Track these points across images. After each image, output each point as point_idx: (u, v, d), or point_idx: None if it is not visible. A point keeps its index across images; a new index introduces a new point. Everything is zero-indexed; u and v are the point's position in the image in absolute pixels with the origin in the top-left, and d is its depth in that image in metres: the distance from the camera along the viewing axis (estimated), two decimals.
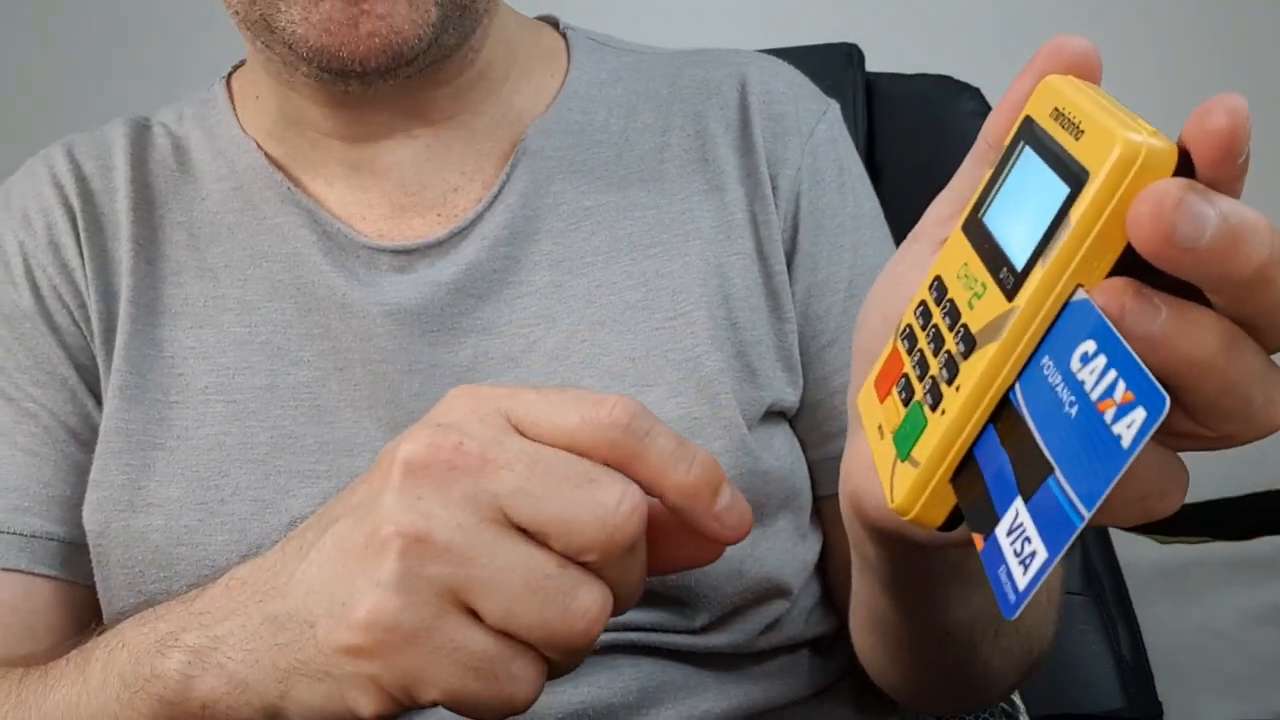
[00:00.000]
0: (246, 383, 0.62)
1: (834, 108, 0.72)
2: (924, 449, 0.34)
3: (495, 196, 0.64)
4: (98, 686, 0.48)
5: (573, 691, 0.59)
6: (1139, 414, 0.27)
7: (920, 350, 0.36)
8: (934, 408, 0.34)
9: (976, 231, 0.36)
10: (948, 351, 0.34)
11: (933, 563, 0.45)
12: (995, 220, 0.35)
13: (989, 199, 0.36)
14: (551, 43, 0.72)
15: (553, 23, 0.74)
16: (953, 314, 0.35)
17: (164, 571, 0.59)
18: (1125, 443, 0.27)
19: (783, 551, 0.63)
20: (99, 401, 0.64)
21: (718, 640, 0.62)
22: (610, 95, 0.69)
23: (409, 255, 0.63)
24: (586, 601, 0.37)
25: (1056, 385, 0.30)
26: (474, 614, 0.38)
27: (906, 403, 0.36)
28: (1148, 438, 0.26)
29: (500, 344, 0.62)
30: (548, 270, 0.63)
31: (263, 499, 0.59)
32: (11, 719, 0.52)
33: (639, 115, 0.68)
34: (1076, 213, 0.29)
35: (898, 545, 0.43)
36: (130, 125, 0.69)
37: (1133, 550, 1.11)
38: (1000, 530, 0.31)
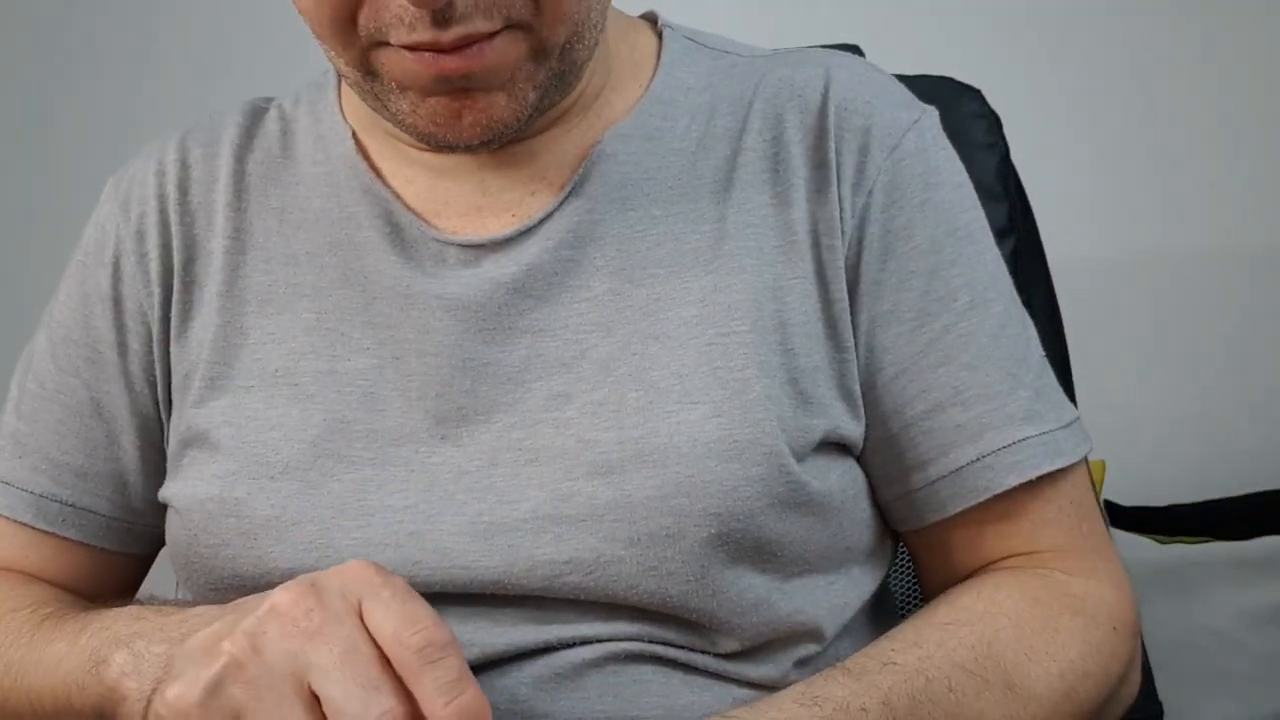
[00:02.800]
0: (310, 366, 0.64)
1: (929, 115, 0.69)
2: None
3: (565, 199, 0.64)
4: (79, 653, 0.59)
5: (597, 702, 0.59)
6: None
7: None
8: None
9: None
10: None
11: None
12: None
13: None
14: (646, 46, 0.71)
15: (651, 19, 0.73)
16: None
17: (213, 539, 0.62)
18: None
19: (815, 589, 0.62)
20: (152, 386, 0.69)
21: (749, 670, 0.61)
22: (696, 102, 0.68)
23: (477, 250, 0.64)
24: None
25: None
26: None
27: None
28: None
29: (554, 347, 0.62)
30: (608, 278, 0.63)
31: (308, 479, 0.62)
32: (20, 653, 0.63)
33: (719, 119, 0.67)
34: None
35: None
36: (246, 111, 0.72)
37: (1133, 550, 1.11)
38: None
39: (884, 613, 0.70)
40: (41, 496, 0.69)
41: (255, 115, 0.72)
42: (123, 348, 0.69)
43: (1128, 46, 1.43)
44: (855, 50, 1.05)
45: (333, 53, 0.59)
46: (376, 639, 0.48)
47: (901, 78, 1.10)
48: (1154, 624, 1.05)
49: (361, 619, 0.49)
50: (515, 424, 0.61)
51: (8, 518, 0.70)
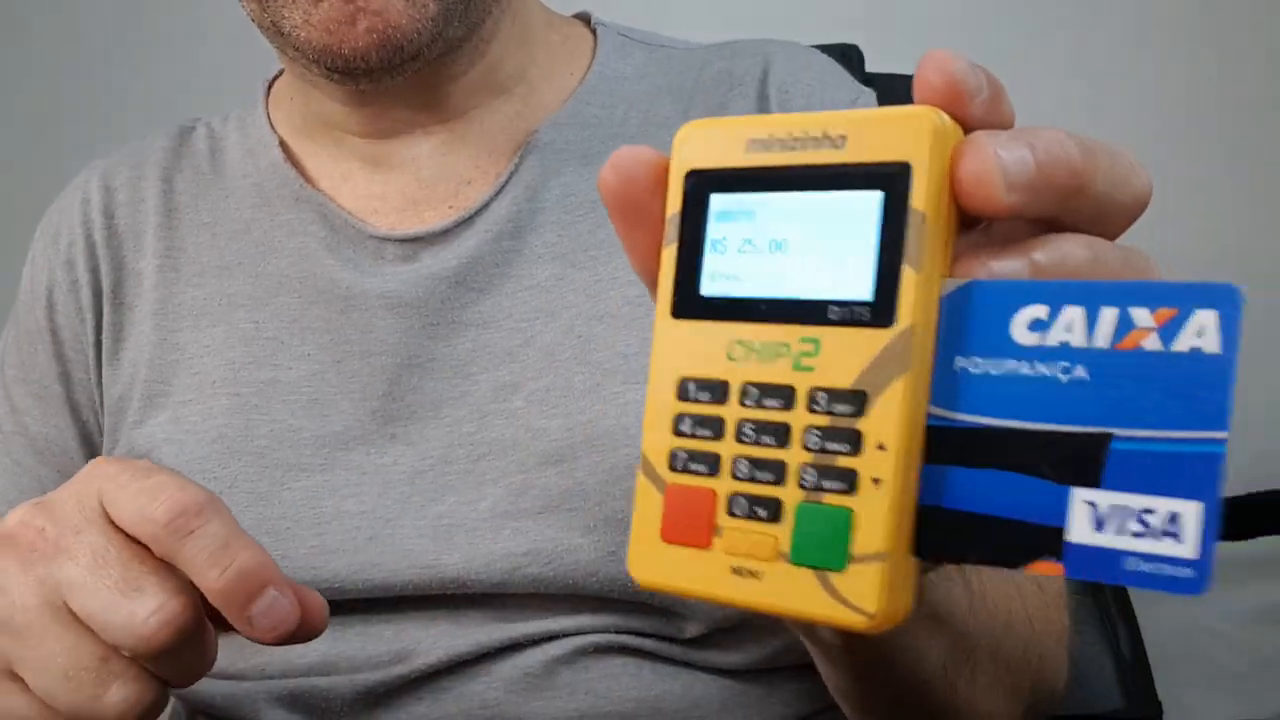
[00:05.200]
0: (251, 377, 0.63)
1: (867, 95, 0.69)
2: (873, 536, 0.28)
3: (502, 187, 0.64)
4: None
5: (569, 699, 0.58)
6: (1206, 316, 0.25)
7: (740, 458, 0.30)
8: (847, 490, 0.28)
9: (715, 307, 0.31)
10: (815, 429, 0.29)
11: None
12: (738, 283, 0.30)
13: (699, 274, 0.31)
14: (577, 39, 0.71)
15: (585, 19, 0.73)
16: (776, 393, 0.29)
17: None
18: (1213, 348, 0.25)
19: None
20: (96, 414, 0.68)
21: (718, 658, 0.61)
22: (633, 91, 0.68)
23: (414, 244, 0.64)
24: (116, 697, 0.40)
25: (1010, 371, 0.27)
26: (23, 682, 0.41)
27: (774, 516, 0.29)
28: (1239, 330, 0.25)
29: (499, 338, 0.62)
30: (550, 263, 0.63)
31: (259, 491, 0.61)
32: None
33: (659, 107, 0.68)
34: (922, 201, 0.28)
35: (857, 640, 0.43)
36: (172, 133, 0.72)
37: None
38: (1078, 534, 0.26)
39: None
40: None
41: (182, 135, 0.72)
42: (65, 378, 0.68)
43: (1126, 47, 1.43)
44: (855, 50, 1.05)
45: None
46: (125, 529, 0.41)
47: (901, 78, 1.10)
48: (1153, 624, 1.05)
49: (109, 518, 0.41)
50: (464, 418, 0.61)
51: None
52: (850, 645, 0.44)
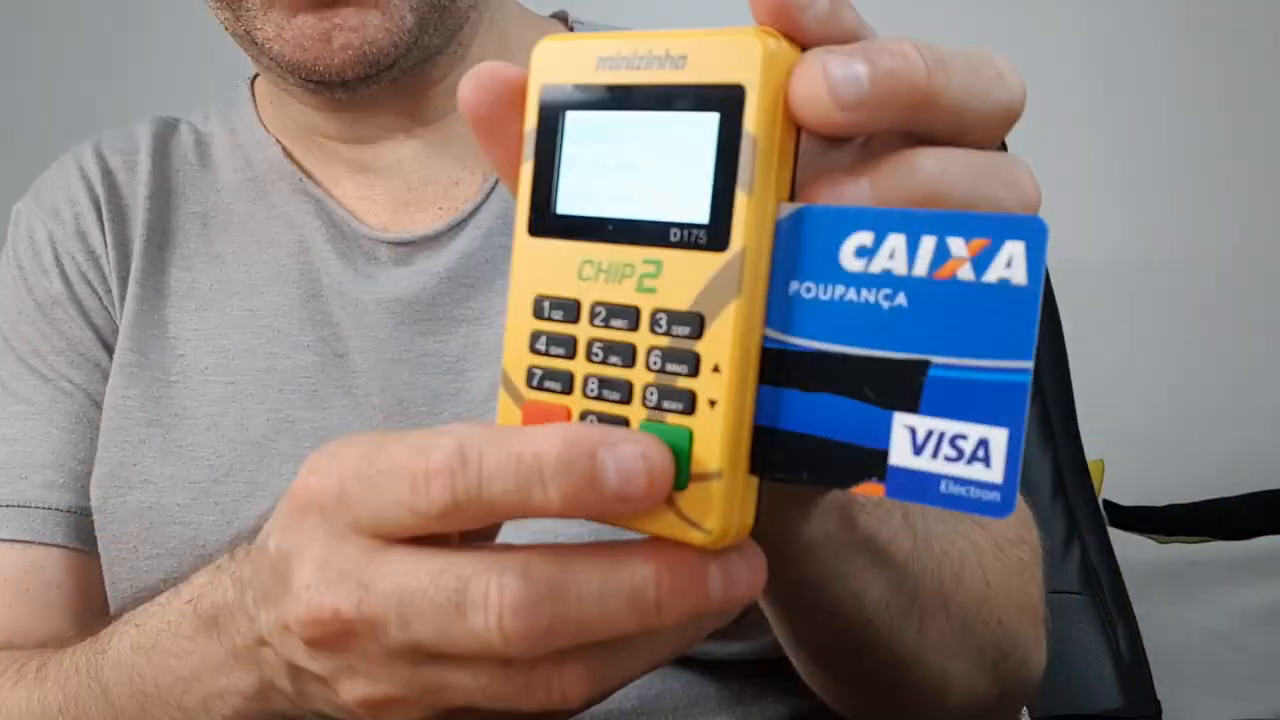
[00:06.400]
0: (246, 365, 0.62)
1: None
2: (710, 455, 0.28)
3: (493, 187, 0.64)
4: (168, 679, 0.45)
5: None
6: (1014, 248, 0.26)
7: (590, 377, 0.30)
8: (687, 410, 0.28)
9: (568, 225, 0.31)
10: (657, 350, 0.29)
11: (813, 550, 0.42)
12: (589, 202, 0.31)
13: (554, 190, 0.31)
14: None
15: (563, 18, 0.73)
16: (622, 313, 0.30)
17: (155, 549, 0.59)
18: (1020, 280, 0.26)
19: None
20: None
21: (717, 648, 0.60)
22: None
23: (408, 248, 0.63)
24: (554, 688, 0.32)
25: (839, 297, 0.28)
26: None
27: None
28: (1044, 262, 0.25)
29: (491, 334, 0.62)
30: None
31: (256, 481, 0.60)
32: (84, 692, 0.51)
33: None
34: (755, 124, 0.28)
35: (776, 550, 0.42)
36: (157, 123, 0.71)
37: (1131, 550, 1.11)
38: (899, 457, 0.27)
39: None
40: (68, 511, 0.63)
41: (166, 127, 0.71)
42: (104, 345, 0.66)
43: (1129, 47, 1.43)
44: None
45: None
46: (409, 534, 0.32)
47: None
48: (1152, 624, 1.05)
49: (352, 530, 0.32)
50: (460, 415, 0.61)
51: (34, 543, 0.63)
52: (787, 573, 0.42)
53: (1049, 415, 1.06)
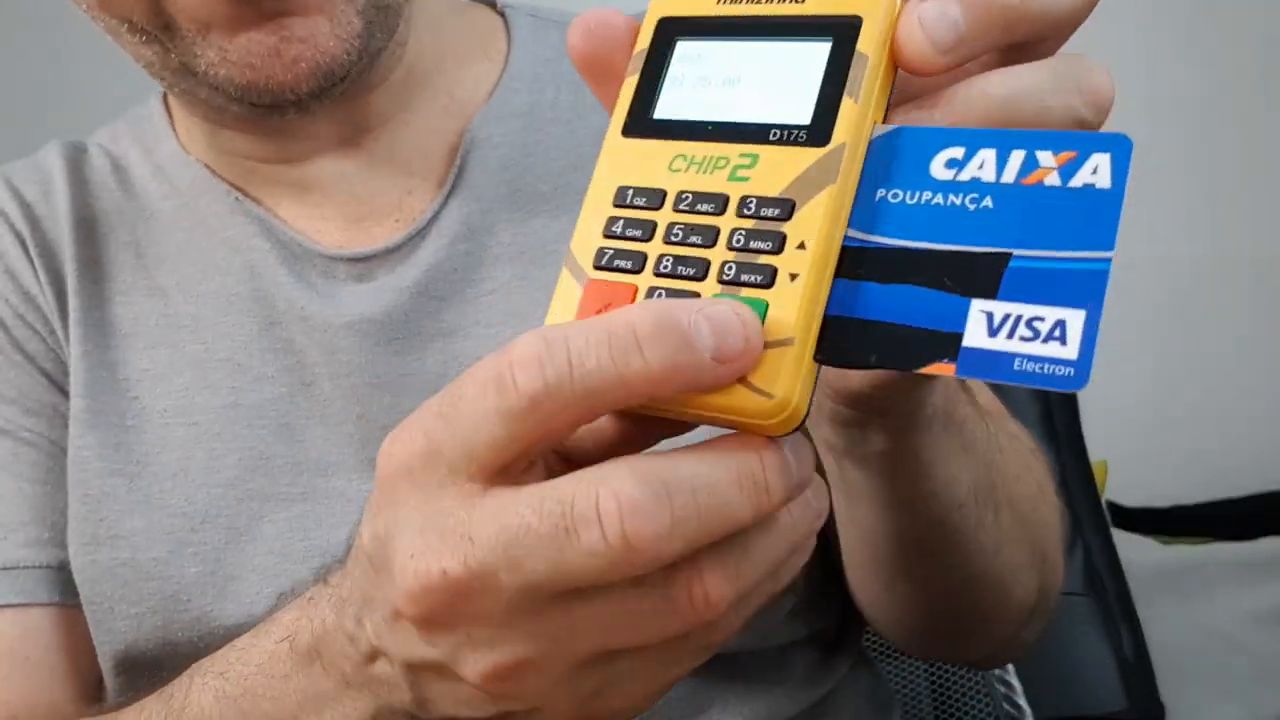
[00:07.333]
0: (207, 403, 0.58)
1: None
2: (786, 322, 0.29)
3: (449, 192, 0.61)
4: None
5: None
6: (1101, 159, 0.28)
7: (665, 256, 0.31)
8: (765, 284, 0.30)
9: (664, 127, 0.33)
10: (740, 230, 0.30)
11: (901, 429, 0.45)
12: (689, 109, 0.33)
13: (655, 99, 0.34)
14: (487, 24, 0.68)
15: (490, 3, 0.69)
16: (710, 199, 0.31)
17: (134, 608, 0.56)
18: (1104, 184, 0.28)
19: None
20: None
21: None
22: (558, 71, 0.65)
23: (368, 262, 0.60)
24: (696, 591, 0.31)
25: (925, 201, 0.30)
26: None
27: None
28: (1128, 172, 0.28)
29: (469, 347, 0.59)
30: (509, 264, 0.60)
31: (236, 526, 0.56)
32: None
33: (590, 89, 0.65)
34: (868, 46, 0.31)
35: (868, 432, 0.44)
36: (65, 149, 0.66)
37: (1135, 551, 1.11)
38: (973, 339, 0.28)
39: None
40: (59, 568, 0.58)
41: (76, 151, 0.65)
42: (58, 388, 0.62)
43: (1137, 47, 1.43)
44: None
45: (124, 27, 0.53)
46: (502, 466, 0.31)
47: None
48: (1156, 624, 1.05)
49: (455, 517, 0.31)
50: None
51: (29, 605, 0.58)
52: (916, 446, 0.45)
53: (1052, 416, 1.06)
